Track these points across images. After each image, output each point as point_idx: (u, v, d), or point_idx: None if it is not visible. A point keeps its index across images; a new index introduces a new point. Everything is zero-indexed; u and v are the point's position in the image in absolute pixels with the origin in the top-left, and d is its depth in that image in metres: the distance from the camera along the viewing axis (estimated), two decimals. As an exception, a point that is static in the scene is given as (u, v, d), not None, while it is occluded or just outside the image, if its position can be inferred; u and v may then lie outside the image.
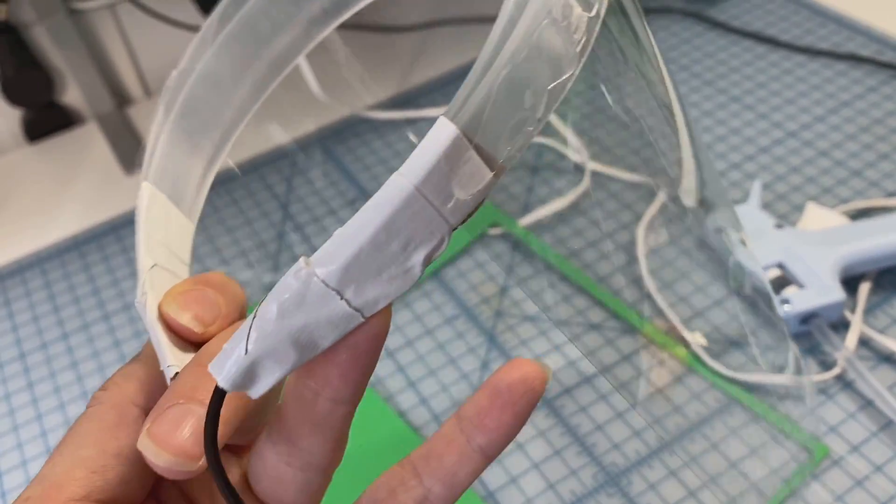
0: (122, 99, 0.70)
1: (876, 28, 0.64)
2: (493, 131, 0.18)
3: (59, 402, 0.47)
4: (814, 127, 0.56)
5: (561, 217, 0.52)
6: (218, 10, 0.27)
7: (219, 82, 0.27)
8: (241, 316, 0.23)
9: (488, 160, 0.18)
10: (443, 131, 0.17)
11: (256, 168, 0.60)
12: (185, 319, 0.22)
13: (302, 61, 0.61)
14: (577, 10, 0.18)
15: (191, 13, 0.63)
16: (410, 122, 0.62)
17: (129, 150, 0.64)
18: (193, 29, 0.64)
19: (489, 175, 0.18)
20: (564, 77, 0.18)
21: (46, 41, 0.63)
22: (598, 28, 0.19)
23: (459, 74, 0.65)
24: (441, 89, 0.65)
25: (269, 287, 0.51)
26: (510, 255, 0.50)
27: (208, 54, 0.27)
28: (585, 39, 0.19)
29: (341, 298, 0.18)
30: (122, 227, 0.57)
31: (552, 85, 0.18)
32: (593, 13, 0.19)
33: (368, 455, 0.41)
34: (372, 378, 0.49)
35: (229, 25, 0.27)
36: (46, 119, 0.66)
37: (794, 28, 0.65)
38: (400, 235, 0.18)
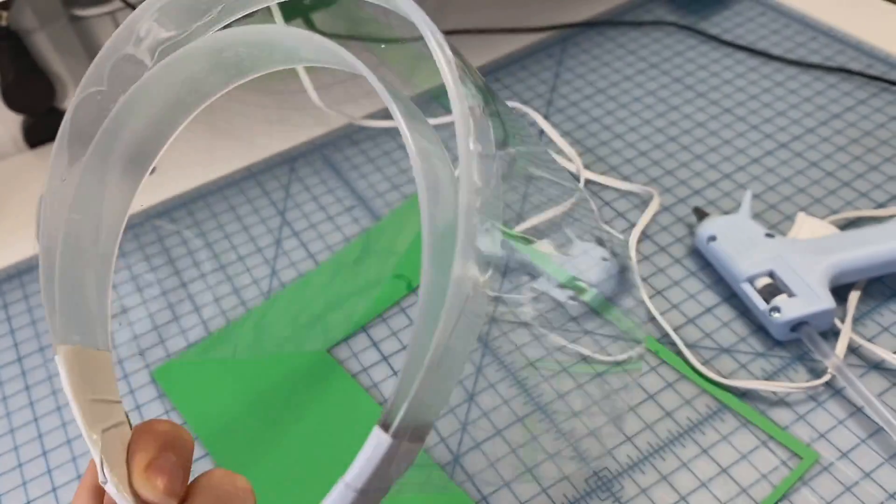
0: (121, 105, 0.70)
1: (866, 42, 0.65)
2: (425, 416, 0.20)
3: (56, 405, 0.47)
4: (804, 138, 0.57)
5: (555, 225, 0.53)
6: (63, 138, 0.27)
7: (88, 204, 0.28)
8: (190, 458, 0.26)
9: (421, 433, 0.20)
10: (380, 444, 0.20)
11: (254, 175, 0.61)
12: (161, 498, 0.24)
13: (301, 68, 0.62)
14: (482, 279, 0.20)
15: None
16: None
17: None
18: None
19: (420, 446, 0.21)
20: (478, 331, 0.20)
21: (47, 47, 0.64)
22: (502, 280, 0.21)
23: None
24: (437, 99, 0.65)
25: (266, 293, 0.51)
26: (504, 261, 0.51)
27: (76, 179, 0.27)
28: (493, 291, 0.21)
29: None
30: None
31: (472, 350, 0.20)
32: (489, 274, 0.20)
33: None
34: (367, 382, 0.50)
35: (91, 144, 0.27)
36: (47, 125, 0.66)
37: (785, 41, 0.66)
38: None
